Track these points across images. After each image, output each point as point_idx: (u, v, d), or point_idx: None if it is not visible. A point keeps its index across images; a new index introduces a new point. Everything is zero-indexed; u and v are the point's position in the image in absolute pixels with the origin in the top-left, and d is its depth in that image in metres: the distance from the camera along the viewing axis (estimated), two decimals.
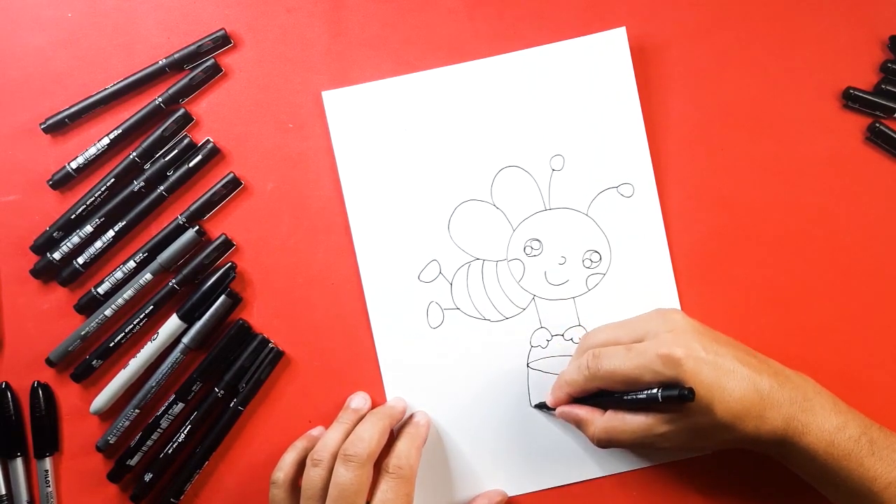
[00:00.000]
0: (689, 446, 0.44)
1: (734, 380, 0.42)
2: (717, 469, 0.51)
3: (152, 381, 0.50)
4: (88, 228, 0.51)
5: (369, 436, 0.45)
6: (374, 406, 0.51)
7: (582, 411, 0.47)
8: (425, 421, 0.50)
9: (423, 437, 0.49)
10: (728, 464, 0.51)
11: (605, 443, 0.46)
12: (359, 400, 0.50)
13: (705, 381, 0.41)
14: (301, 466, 0.47)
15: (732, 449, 0.45)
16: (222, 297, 0.50)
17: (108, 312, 0.51)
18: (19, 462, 0.51)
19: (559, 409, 0.48)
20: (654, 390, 0.42)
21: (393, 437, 0.49)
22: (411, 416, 0.50)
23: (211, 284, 0.50)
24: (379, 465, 0.46)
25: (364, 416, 0.49)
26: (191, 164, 0.51)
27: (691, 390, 0.40)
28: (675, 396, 0.40)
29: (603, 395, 0.46)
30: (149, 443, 0.50)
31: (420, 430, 0.49)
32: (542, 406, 0.51)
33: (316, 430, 0.51)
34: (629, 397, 0.43)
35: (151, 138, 0.51)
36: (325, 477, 0.45)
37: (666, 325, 0.44)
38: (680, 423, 0.42)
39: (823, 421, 0.42)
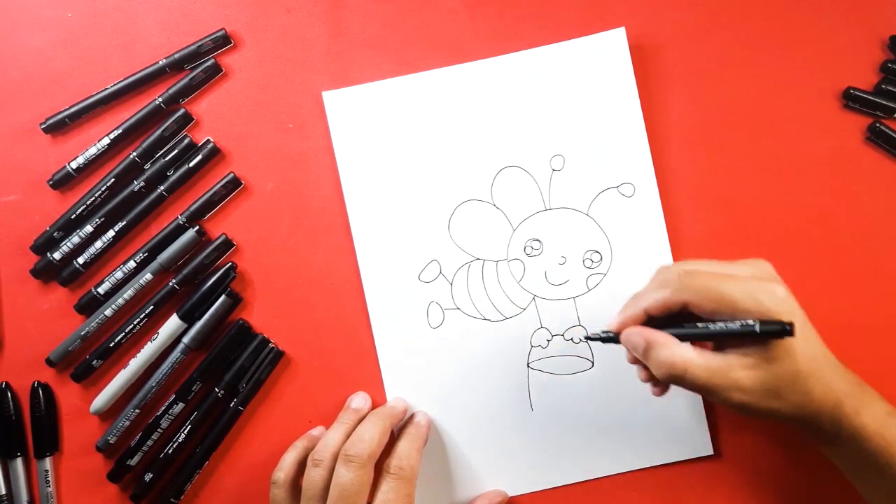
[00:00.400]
0: (758, 405, 0.40)
1: (814, 337, 0.41)
2: (718, 469, 0.51)
3: (152, 381, 0.50)
4: (88, 228, 0.51)
5: (370, 436, 0.45)
6: (374, 406, 0.51)
7: (658, 334, 0.41)
8: (426, 421, 0.50)
9: (423, 438, 0.49)
10: (728, 464, 0.51)
11: (674, 375, 0.40)
12: (359, 400, 0.50)
13: (797, 324, 0.39)
14: (301, 466, 0.47)
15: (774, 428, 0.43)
16: (222, 297, 0.50)
17: (108, 312, 0.51)
18: (19, 462, 0.51)
19: (627, 331, 0.43)
20: (751, 322, 0.38)
21: (394, 437, 0.49)
22: (412, 417, 0.50)
23: (211, 284, 0.50)
24: (380, 465, 0.46)
25: (365, 417, 0.49)
26: (191, 164, 0.51)
27: (793, 325, 0.37)
28: (776, 330, 0.38)
29: (683, 321, 0.41)
30: (149, 443, 0.50)
31: (421, 431, 0.49)
32: (598, 338, 0.45)
33: (316, 430, 0.51)
34: (717, 327, 0.39)
35: (151, 138, 0.51)
36: (326, 477, 0.45)
37: (761, 270, 0.42)
38: (761, 369, 0.39)
39: (876, 404, 0.42)
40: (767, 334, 0.38)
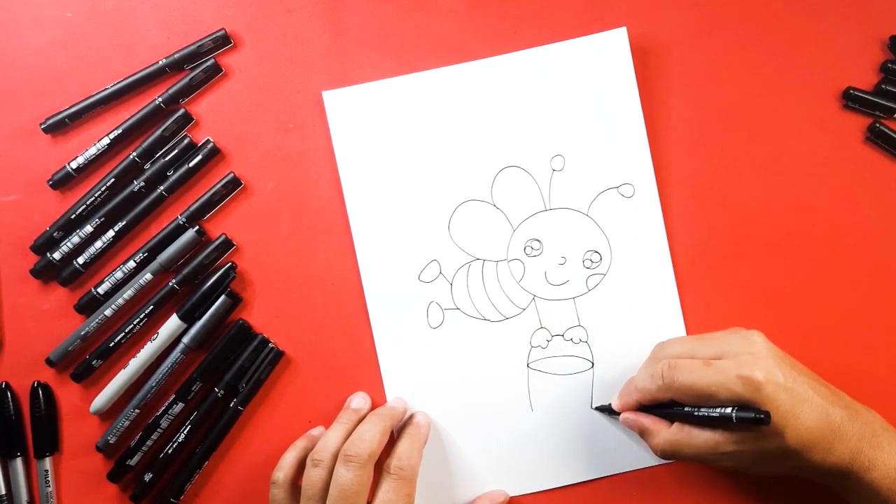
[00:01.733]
0: (752, 469, 0.44)
1: (808, 408, 0.41)
2: (719, 472, 0.51)
3: (152, 381, 0.50)
4: (88, 228, 0.51)
5: (370, 436, 0.45)
6: (374, 406, 0.51)
7: (648, 421, 0.46)
8: (426, 421, 0.50)
9: (423, 438, 0.49)
10: None
11: (668, 455, 0.45)
12: (359, 400, 0.50)
13: (781, 408, 0.41)
14: (301, 466, 0.47)
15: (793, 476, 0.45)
16: (222, 297, 0.50)
17: (108, 312, 0.51)
18: (19, 462, 0.51)
19: (624, 416, 0.48)
20: (729, 410, 0.41)
21: (393, 438, 0.49)
22: (412, 417, 0.50)
23: (211, 284, 0.50)
24: (380, 465, 0.46)
25: (364, 417, 0.49)
26: (191, 164, 0.51)
27: (768, 415, 0.40)
28: (750, 419, 0.40)
29: (672, 406, 0.45)
30: (149, 443, 0.50)
31: (421, 431, 0.49)
32: (604, 409, 0.50)
33: (316, 430, 0.51)
34: (700, 413, 0.43)
35: (151, 138, 0.51)
36: (326, 477, 0.45)
37: (747, 347, 0.44)
38: (748, 444, 0.42)
39: (890, 458, 0.42)
40: (744, 422, 0.41)
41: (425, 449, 0.50)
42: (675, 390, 0.44)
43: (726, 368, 0.42)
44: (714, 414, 0.42)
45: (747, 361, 0.42)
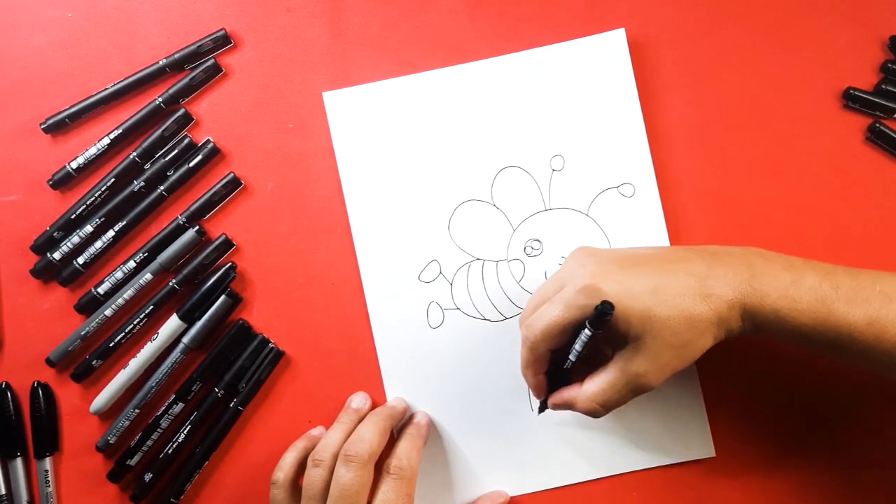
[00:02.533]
0: (675, 363, 0.41)
1: (664, 275, 0.40)
2: (718, 471, 0.51)
3: (152, 381, 0.50)
4: (88, 228, 0.51)
5: (370, 436, 0.45)
6: (374, 406, 0.51)
7: (565, 394, 0.44)
8: (426, 421, 0.50)
9: (423, 438, 0.49)
10: (729, 466, 0.51)
11: (600, 410, 0.43)
12: (359, 400, 0.50)
13: (634, 289, 0.40)
14: (301, 467, 0.47)
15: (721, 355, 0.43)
16: (222, 297, 0.50)
17: (108, 312, 0.51)
18: (19, 462, 0.51)
19: (550, 402, 0.46)
20: (585, 330, 0.40)
21: (393, 437, 0.49)
22: (412, 417, 0.50)
23: (211, 284, 0.50)
24: (379, 465, 0.46)
25: (365, 417, 0.49)
26: (191, 164, 0.51)
27: (606, 302, 0.38)
28: (597, 315, 0.39)
29: (561, 361, 0.44)
30: (149, 443, 0.50)
31: (421, 431, 0.49)
32: (543, 408, 0.49)
33: (316, 430, 0.51)
34: (574, 349, 0.42)
35: (151, 138, 0.51)
36: (326, 477, 0.45)
37: (577, 263, 0.43)
38: (642, 346, 0.40)
39: (776, 280, 0.40)
40: (599, 324, 0.39)
41: (425, 449, 0.50)
42: (543, 341, 0.42)
43: (566, 292, 0.41)
44: (581, 340, 0.41)
45: (581, 274, 0.41)
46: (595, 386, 0.42)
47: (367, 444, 0.45)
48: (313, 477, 0.45)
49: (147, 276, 0.51)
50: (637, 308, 0.40)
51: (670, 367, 0.41)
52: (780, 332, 0.41)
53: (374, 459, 0.45)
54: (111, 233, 0.51)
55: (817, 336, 0.40)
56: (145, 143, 0.51)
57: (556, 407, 0.46)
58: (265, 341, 0.51)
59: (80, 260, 0.51)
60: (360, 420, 0.48)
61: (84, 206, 0.51)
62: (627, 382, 0.41)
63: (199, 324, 0.50)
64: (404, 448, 0.47)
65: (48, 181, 0.51)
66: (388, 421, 0.48)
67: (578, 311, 0.41)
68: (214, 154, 0.51)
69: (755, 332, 0.42)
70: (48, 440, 0.51)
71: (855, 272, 0.41)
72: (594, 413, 0.43)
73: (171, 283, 0.51)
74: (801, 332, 0.41)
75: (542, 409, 0.48)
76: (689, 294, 0.40)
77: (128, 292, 0.51)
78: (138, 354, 0.50)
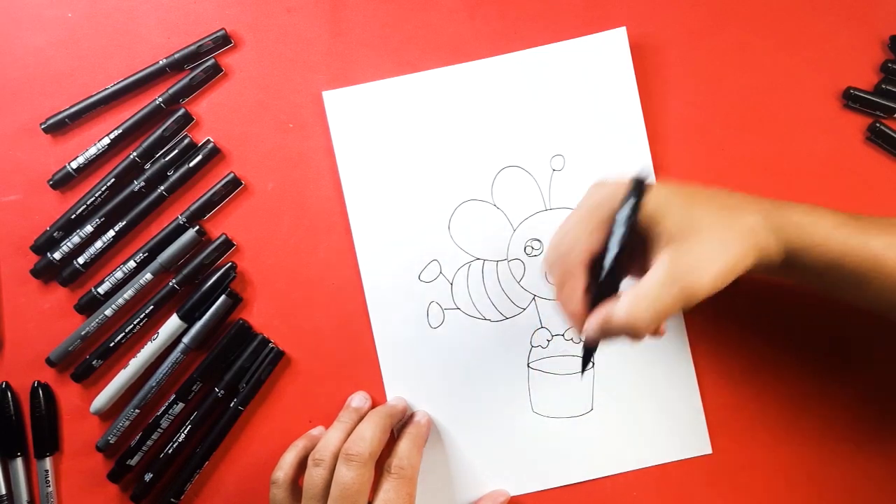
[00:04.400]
0: (724, 259, 0.38)
1: (699, 194, 0.40)
2: (716, 468, 0.51)
3: (152, 381, 0.50)
4: (89, 228, 0.51)
5: (371, 435, 0.45)
6: (374, 405, 0.51)
7: (598, 315, 0.39)
8: (426, 420, 0.50)
9: (424, 437, 0.49)
10: (727, 463, 0.51)
11: (644, 318, 0.37)
12: (359, 399, 0.50)
13: (672, 188, 0.39)
14: (301, 466, 0.47)
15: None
16: (222, 297, 0.50)
17: (108, 312, 0.51)
18: (19, 462, 0.51)
19: (586, 331, 0.40)
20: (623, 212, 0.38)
21: (394, 437, 0.49)
22: (412, 416, 0.50)
23: (211, 284, 0.50)
24: (380, 464, 0.46)
25: (365, 416, 0.49)
26: (191, 164, 0.51)
27: (639, 179, 0.37)
28: (634, 189, 0.37)
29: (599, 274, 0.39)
30: (149, 443, 0.50)
31: (421, 430, 0.49)
32: (586, 362, 0.43)
33: (316, 430, 0.51)
34: (610, 249, 0.38)
35: (152, 138, 0.51)
36: (327, 477, 0.45)
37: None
38: (690, 238, 0.38)
39: (809, 213, 0.41)
40: (636, 196, 0.38)
41: (426, 448, 0.50)
42: (571, 241, 0.39)
43: (601, 190, 0.40)
44: (618, 233, 0.38)
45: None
46: (639, 289, 0.37)
47: (368, 444, 0.45)
48: (314, 476, 0.45)
49: (147, 276, 0.51)
50: (679, 201, 0.38)
51: (720, 262, 0.37)
52: (813, 258, 0.40)
53: (374, 458, 0.45)
54: (111, 233, 0.51)
55: (849, 263, 0.40)
56: (145, 143, 0.51)
57: (594, 335, 0.40)
58: (265, 341, 0.51)
59: (81, 260, 0.51)
60: (360, 419, 0.48)
61: (84, 206, 0.51)
62: (675, 279, 0.37)
63: (199, 324, 0.50)
64: (405, 447, 0.47)
65: (48, 181, 0.51)
66: (389, 420, 0.48)
67: (606, 198, 0.39)
68: (214, 154, 0.51)
69: (791, 258, 0.41)
70: (48, 440, 0.51)
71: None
72: (637, 324, 0.37)
73: (171, 283, 0.51)
74: (828, 259, 0.40)
75: (585, 362, 0.43)
76: (731, 201, 0.40)
77: (128, 292, 0.51)
78: (138, 354, 0.50)
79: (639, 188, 0.38)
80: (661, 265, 0.38)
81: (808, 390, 0.51)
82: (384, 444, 0.46)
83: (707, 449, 0.51)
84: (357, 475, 0.44)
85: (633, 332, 0.38)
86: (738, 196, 0.42)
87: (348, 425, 0.48)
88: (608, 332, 0.39)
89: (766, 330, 0.51)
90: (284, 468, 0.47)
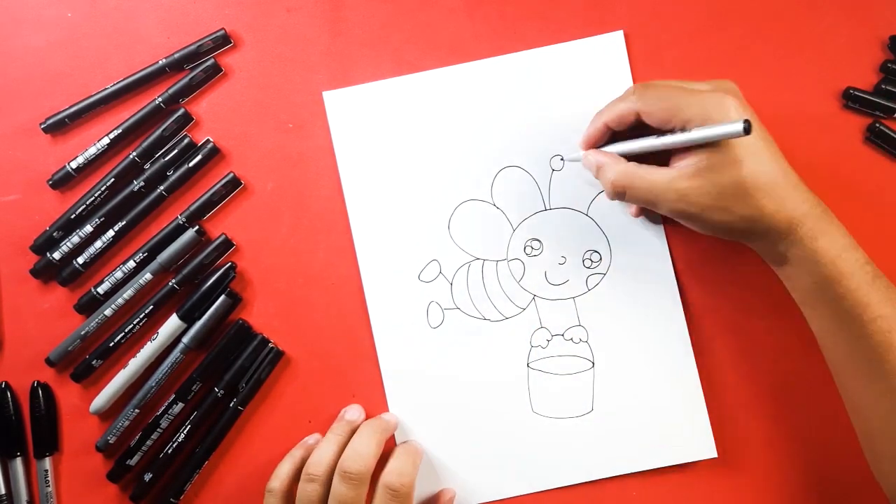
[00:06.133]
0: (701, 217, 0.42)
1: (770, 154, 0.41)
2: (720, 471, 0.51)
3: (152, 381, 0.50)
4: (88, 228, 0.51)
5: (366, 451, 0.46)
6: (374, 406, 0.51)
7: (605, 156, 0.45)
8: (420, 448, 0.50)
9: (419, 459, 0.49)
10: (730, 466, 0.51)
11: (619, 188, 0.43)
12: (353, 412, 0.50)
13: (745, 141, 0.40)
14: (297, 477, 0.47)
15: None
16: (222, 297, 0.50)
17: (108, 312, 0.51)
18: (19, 462, 0.51)
19: (585, 154, 0.46)
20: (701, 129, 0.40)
21: (386, 455, 0.49)
22: (405, 442, 0.50)
23: (211, 284, 0.50)
24: (374, 477, 0.46)
25: (357, 428, 0.49)
26: (191, 164, 0.51)
27: (748, 122, 0.37)
28: (732, 129, 0.38)
29: (641, 135, 0.43)
30: (148, 443, 0.50)
31: (416, 452, 0.49)
32: (568, 158, 0.49)
33: (311, 438, 0.50)
34: (661, 138, 0.41)
35: (151, 138, 0.51)
36: (321, 492, 0.45)
37: (720, 85, 0.43)
38: (702, 179, 0.41)
39: (838, 235, 0.42)
40: (719, 134, 0.39)
41: (426, 448, 0.50)
42: (646, 101, 0.42)
43: (699, 91, 0.41)
44: (686, 135, 0.40)
45: (724, 89, 0.42)
46: (642, 171, 0.42)
47: (364, 461, 0.45)
48: (308, 492, 0.45)
49: (147, 276, 0.51)
50: (738, 150, 0.40)
51: (699, 220, 0.42)
52: (803, 272, 0.43)
53: (370, 474, 0.45)
54: (111, 233, 0.51)
55: (831, 300, 0.42)
56: (145, 143, 0.51)
57: (586, 162, 0.46)
58: (265, 341, 0.51)
59: (80, 260, 0.51)
60: (353, 431, 0.48)
61: (84, 206, 0.51)
62: (664, 192, 0.42)
63: (198, 324, 0.50)
64: (401, 464, 0.47)
65: (48, 181, 0.51)
66: (383, 435, 0.48)
67: (699, 110, 0.40)
68: (214, 154, 0.51)
69: (782, 259, 0.43)
70: (48, 440, 0.51)
71: (887, 280, 0.43)
72: (614, 184, 0.43)
73: (170, 283, 0.51)
74: (821, 285, 0.42)
75: (566, 159, 0.49)
76: (772, 187, 0.41)
77: (128, 292, 0.51)
78: (138, 354, 0.50)
79: (749, 127, 0.38)
80: (701, 185, 0.41)
81: (815, 393, 0.51)
82: (378, 458, 0.46)
83: (712, 452, 0.50)
84: (355, 494, 0.44)
85: (611, 192, 0.44)
86: (800, 185, 0.43)
87: (342, 438, 0.48)
88: (594, 171, 0.45)
89: (766, 325, 0.51)
90: (280, 478, 0.47)
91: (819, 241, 0.41)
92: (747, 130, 0.38)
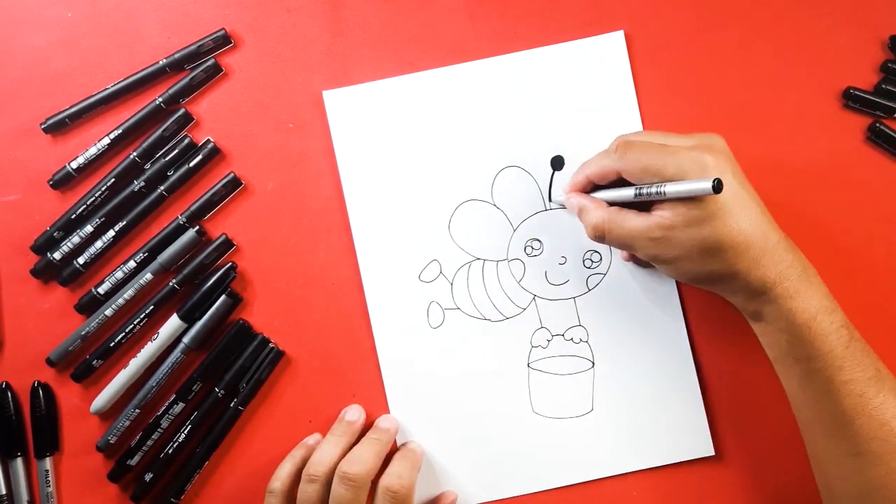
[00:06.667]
0: (676, 266, 0.43)
1: (747, 213, 0.41)
2: (718, 470, 0.51)
3: (153, 381, 0.50)
4: (89, 228, 0.51)
5: (368, 457, 0.46)
6: (368, 416, 0.51)
7: (588, 200, 0.46)
8: (420, 449, 0.50)
9: (419, 462, 0.49)
10: (729, 464, 0.51)
11: (599, 231, 0.45)
12: (353, 412, 0.50)
13: (721, 199, 0.40)
14: (298, 477, 0.47)
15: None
16: (222, 297, 0.50)
17: (108, 312, 0.51)
18: (19, 462, 0.51)
19: (568, 194, 0.48)
20: (662, 185, 0.41)
21: (386, 461, 0.49)
22: (405, 444, 0.50)
23: (211, 284, 0.50)
24: (374, 486, 0.46)
25: (358, 429, 0.49)
26: (191, 164, 0.51)
27: (719, 181, 0.38)
28: (701, 187, 0.39)
29: (620, 187, 0.44)
30: (149, 443, 0.50)
31: (416, 455, 0.49)
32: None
33: (312, 439, 0.50)
34: (643, 189, 0.42)
35: (152, 138, 0.51)
36: (321, 493, 0.45)
37: (705, 139, 0.44)
38: (678, 232, 0.41)
39: (815, 296, 0.42)
40: (691, 193, 0.40)
41: (426, 448, 0.50)
42: (626, 162, 0.43)
43: (679, 150, 0.42)
44: (659, 189, 0.41)
45: (702, 147, 0.42)
46: (621, 217, 0.44)
47: (365, 466, 0.45)
48: (308, 492, 0.45)
49: (147, 276, 0.51)
50: (712, 208, 0.41)
51: (674, 268, 0.43)
52: (776, 330, 0.43)
53: (370, 481, 0.45)
54: (111, 233, 0.51)
55: (803, 360, 0.42)
56: (145, 143, 0.51)
57: (568, 204, 0.48)
58: (265, 341, 0.51)
59: (81, 260, 0.51)
60: (354, 433, 0.49)
61: (84, 206, 0.51)
62: (636, 240, 0.43)
63: (199, 324, 0.50)
64: (401, 468, 0.47)
65: (48, 181, 0.51)
66: (385, 447, 0.48)
67: (675, 170, 0.41)
68: (214, 154, 0.51)
69: (757, 316, 0.44)
70: (48, 440, 0.51)
71: (865, 343, 0.43)
72: (594, 228, 0.45)
73: (171, 283, 0.51)
74: (793, 345, 0.42)
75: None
76: (748, 246, 0.41)
77: (128, 292, 0.51)
78: (138, 354, 0.50)
79: (719, 186, 0.39)
80: (676, 237, 0.42)
81: None
82: (378, 467, 0.47)
83: (709, 451, 0.50)
84: (354, 497, 0.44)
85: (591, 235, 0.46)
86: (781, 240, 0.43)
87: (342, 439, 0.48)
88: (577, 212, 0.47)
89: None
90: (281, 478, 0.47)
91: (795, 301, 0.42)
92: (716, 189, 0.38)
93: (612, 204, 0.46)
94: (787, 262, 0.42)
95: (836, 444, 0.42)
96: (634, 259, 0.50)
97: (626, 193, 0.44)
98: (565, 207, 0.51)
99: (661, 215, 0.42)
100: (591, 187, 0.48)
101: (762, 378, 0.51)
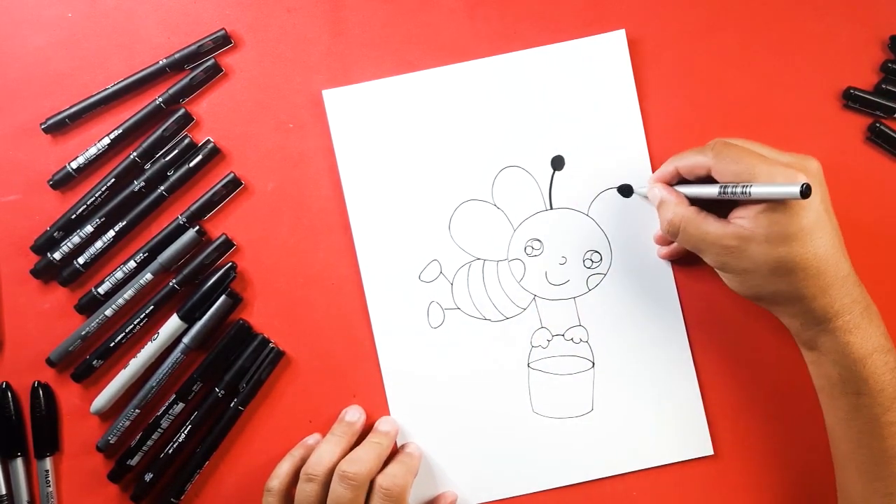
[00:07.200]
0: (742, 278, 0.43)
1: (826, 240, 0.41)
2: (718, 469, 0.51)
3: (153, 381, 0.50)
4: (89, 228, 0.51)
5: (367, 458, 0.46)
6: (373, 405, 0.51)
7: (670, 193, 0.46)
8: (418, 453, 0.50)
9: (416, 465, 0.49)
10: (728, 464, 0.51)
11: (674, 228, 0.45)
12: (353, 413, 0.50)
13: (804, 221, 0.40)
14: (296, 476, 0.47)
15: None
16: (223, 297, 0.50)
17: (108, 312, 0.51)
18: (19, 462, 0.51)
19: (651, 184, 0.47)
20: (748, 187, 0.40)
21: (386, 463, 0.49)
22: (404, 446, 0.50)
23: (211, 284, 0.50)
24: (371, 485, 0.46)
25: (358, 430, 0.49)
26: (191, 164, 0.51)
27: (808, 186, 0.38)
28: (789, 190, 0.38)
29: (707, 185, 0.44)
30: (149, 443, 0.50)
31: (413, 460, 0.49)
32: (625, 189, 0.50)
33: (311, 439, 0.50)
34: (732, 188, 0.41)
35: (152, 138, 0.51)
36: (319, 492, 0.45)
37: (801, 161, 0.43)
38: (754, 245, 0.41)
39: (874, 334, 0.42)
40: (781, 195, 0.39)
41: (426, 448, 0.50)
42: (720, 160, 0.42)
43: (775, 162, 0.41)
44: (745, 189, 0.40)
45: (797, 166, 0.42)
46: (699, 218, 0.43)
47: (365, 466, 0.45)
48: (306, 491, 0.45)
49: (147, 276, 0.51)
50: (795, 225, 0.40)
51: (739, 281, 0.43)
52: (829, 362, 0.43)
53: (369, 481, 0.45)
54: (111, 233, 0.51)
55: (851, 395, 0.42)
56: (145, 143, 0.51)
57: (651, 193, 0.47)
58: (265, 341, 0.51)
59: (81, 260, 0.51)
60: (354, 434, 0.49)
61: (84, 206, 0.51)
62: (709, 245, 0.43)
63: (199, 324, 0.50)
64: (396, 469, 0.47)
65: (48, 181, 0.51)
66: (385, 450, 0.48)
67: (766, 178, 0.40)
68: (214, 154, 0.51)
69: (812, 344, 0.44)
70: (48, 440, 0.51)
71: None
72: (670, 223, 0.45)
73: (171, 283, 0.51)
74: (845, 379, 0.42)
75: (624, 191, 0.50)
76: (819, 273, 0.41)
77: (128, 292, 0.51)
78: (139, 354, 0.50)
79: (807, 191, 0.39)
80: (750, 250, 0.41)
81: (811, 389, 0.51)
82: (377, 470, 0.47)
83: (708, 450, 0.51)
84: (353, 497, 0.44)
85: (665, 229, 0.46)
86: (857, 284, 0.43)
87: (341, 440, 0.48)
88: (657, 204, 0.47)
89: (765, 325, 0.51)
90: (280, 477, 0.47)
91: (853, 335, 0.42)
92: (804, 194, 0.38)
93: (692, 201, 0.45)
94: (853, 297, 0.42)
95: (870, 481, 0.42)
96: (669, 255, 0.50)
97: (711, 190, 0.43)
98: (647, 197, 0.50)
99: (741, 225, 0.42)
100: (676, 181, 0.47)
101: (762, 378, 0.51)
